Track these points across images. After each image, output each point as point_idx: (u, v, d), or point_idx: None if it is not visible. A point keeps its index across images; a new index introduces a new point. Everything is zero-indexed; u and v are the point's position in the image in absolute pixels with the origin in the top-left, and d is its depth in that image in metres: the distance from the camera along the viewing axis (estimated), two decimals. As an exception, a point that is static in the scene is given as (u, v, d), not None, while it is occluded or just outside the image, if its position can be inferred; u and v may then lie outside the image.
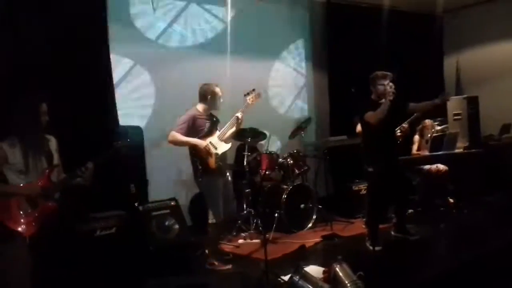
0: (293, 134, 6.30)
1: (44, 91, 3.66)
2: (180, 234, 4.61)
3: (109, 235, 4.21)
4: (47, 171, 3.26)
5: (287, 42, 7.27)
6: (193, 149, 4.31)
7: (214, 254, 4.43)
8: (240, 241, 5.24)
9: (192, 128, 4.30)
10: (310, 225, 5.66)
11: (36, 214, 3.15)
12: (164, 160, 5.60)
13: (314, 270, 3.69)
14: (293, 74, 7.37)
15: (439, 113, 6.52)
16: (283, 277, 3.64)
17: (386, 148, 4.67)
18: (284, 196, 5.48)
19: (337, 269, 3.28)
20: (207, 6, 6.36)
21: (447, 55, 8.69)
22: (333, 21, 7.29)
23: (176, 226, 4.62)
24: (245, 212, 5.49)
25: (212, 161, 4.26)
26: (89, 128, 4.62)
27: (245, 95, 4.54)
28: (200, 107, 4.42)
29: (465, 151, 6.02)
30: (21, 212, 3.11)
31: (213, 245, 4.51)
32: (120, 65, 5.51)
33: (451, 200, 6.03)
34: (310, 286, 3.24)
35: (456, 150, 5.84)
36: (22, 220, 3.11)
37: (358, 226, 5.48)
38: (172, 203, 4.77)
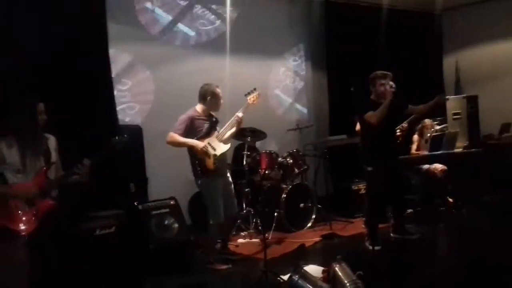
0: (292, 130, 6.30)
1: (41, 90, 3.65)
2: (180, 233, 4.60)
3: (109, 234, 4.20)
4: (43, 169, 3.27)
5: (286, 42, 7.27)
6: (191, 150, 4.31)
7: (213, 254, 4.43)
8: (240, 240, 5.24)
9: (191, 129, 4.29)
10: (309, 224, 5.66)
11: (34, 212, 3.15)
12: (164, 159, 5.59)
13: (314, 269, 3.69)
14: (292, 73, 7.37)
15: (439, 112, 6.53)
16: (282, 277, 3.65)
17: (385, 148, 4.66)
18: (284, 195, 5.48)
19: (337, 268, 3.28)
20: (205, 5, 6.35)
21: (446, 54, 8.69)
22: (332, 20, 7.29)
23: (176, 225, 4.61)
24: (244, 211, 5.48)
25: (210, 162, 4.25)
26: (88, 127, 4.62)
27: (245, 95, 4.51)
28: (199, 107, 4.41)
29: (465, 150, 6.04)
30: (19, 211, 3.11)
31: (212, 245, 4.51)
32: (119, 63, 5.50)
33: (451, 200, 6.03)
34: (309, 286, 3.24)
35: (456, 150, 5.86)
36: (19, 219, 3.11)
37: (358, 226, 5.48)
38: (172, 202, 4.76)
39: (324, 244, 5.03)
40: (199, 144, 4.25)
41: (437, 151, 5.58)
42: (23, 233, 3.08)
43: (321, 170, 6.37)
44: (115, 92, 5.28)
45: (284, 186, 5.65)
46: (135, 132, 5.21)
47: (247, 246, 5.05)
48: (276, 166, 5.74)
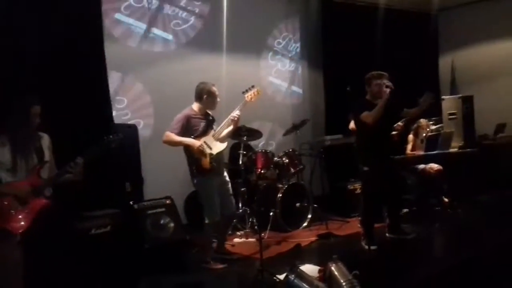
0: (288, 132, 6.28)
1: (35, 91, 3.64)
2: (175, 232, 4.59)
3: (104, 233, 4.18)
4: (36, 168, 3.26)
5: (282, 40, 7.26)
6: (187, 149, 4.30)
7: (209, 253, 4.42)
8: (236, 240, 5.24)
9: (187, 128, 4.28)
10: (305, 224, 5.66)
11: (26, 211, 3.14)
12: (160, 158, 5.58)
13: (310, 269, 3.69)
14: (288, 72, 7.36)
15: (434, 112, 6.54)
16: (278, 276, 3.65)
17: (381, 148, 4.67)
18: (280, 195, 5.48)
19: (333, 268, 3.28)
20: (204, 4, 6.34)
21: (442, 54, 8.71)
22: (329, 19, 7.30)
23: (171, 225, 4.61)
24: (240, 211, 5.48)
25: (206, 161, 4.24)
26: (83, 126, 4.60)
27: (243, 92, 4.46)
28: (195, 106, 4.40)
29: (460, 150, 6.05)
30: (11, 210, 3.10)
31: (208, 244, 4.50)
32: (115, 62, 5.47)
33: (446, 200, 6.04)
34: (305, 285, 3.24)
35: (451, 150, 5.87)
36: (11, 218, 3.10)
37: (354, 225, 5.48)
38: (168, 202, 4.75)
39: (320, 244, 5.03)
40: (195, 143, 4.24)
41: (433, 151, 5.60)
42: (16, 232, 3.07)
43: (317, 170, 6.37)
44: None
45: (280, 185, 5.64)
46: (131, 131, 5.19)
47: (243, 245, 5.05)
48: (272, 166, 5.73)
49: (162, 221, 4.57)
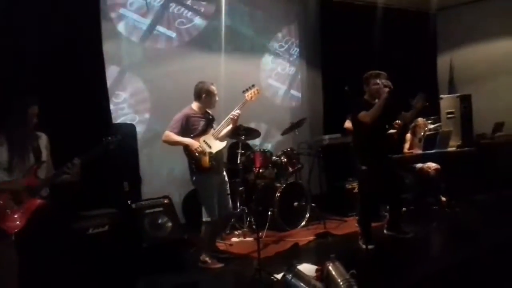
0: (286, 131, 6.28)
1: (33, 91, 3.65)
2: (173, 231, 4.59)
3: (102, 233, 4.18)
4: (33, 167, 3.26)
5: (281, 40, 7.26)
6: (187, 148, 4.30)
7: (207, 252, 4.42)
8: (234, 239, 5.24)
9: (186, 127, 4.28)
10: (303, 223, 5.66)
11: (22, 211, 3.14)
12: (158, 157, 5.58)
13: (307, 268, 3.70)
14: (286, 72, 7.36)
15: (432, 111, 6.55)
16: (276, 275, 3.65)
17: (378, 147, 4.67)
18: (278, 194, 5.48)
19: (330, 267, 3.29)
20: (210, 4, 6.35)
21: (440, 54, 8.71)
22: (327, 18, 7.30)
23: (169, 224, 4.61)
24: (238, 210, 5.48)
25: (205, 160, 4.24)
26: (82, 126, 4.59)
27: (243, 92, 4.44)
28: (194, 105, 4.40)
29: (458, 149, 6.06)
30: (6, 209, 3.10)
31: (206, 243, 4.50)
32: (113, 61, 5.47)
33: (444, 199, 6.05)
34: (303, 285, 3.25)
35: (449, 149, 5.88)
36: (6, 217, 3.10)
37: (351, 225, 5.48)
38: (165, 201, 4.76)
39: (318, 243, 5.04)
40: (194, 142, 4.24)
41: (431, 150, 5.60)
42: (11, 232, 3.07)
43: (315, 169, 6.37)
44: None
45: (278, 184, 5.65)
46: (129, 130, 5.19)
47: (241, 244, 5.05)
48: (270, 165, 5.74)
49: (160, 221, 4.58)
